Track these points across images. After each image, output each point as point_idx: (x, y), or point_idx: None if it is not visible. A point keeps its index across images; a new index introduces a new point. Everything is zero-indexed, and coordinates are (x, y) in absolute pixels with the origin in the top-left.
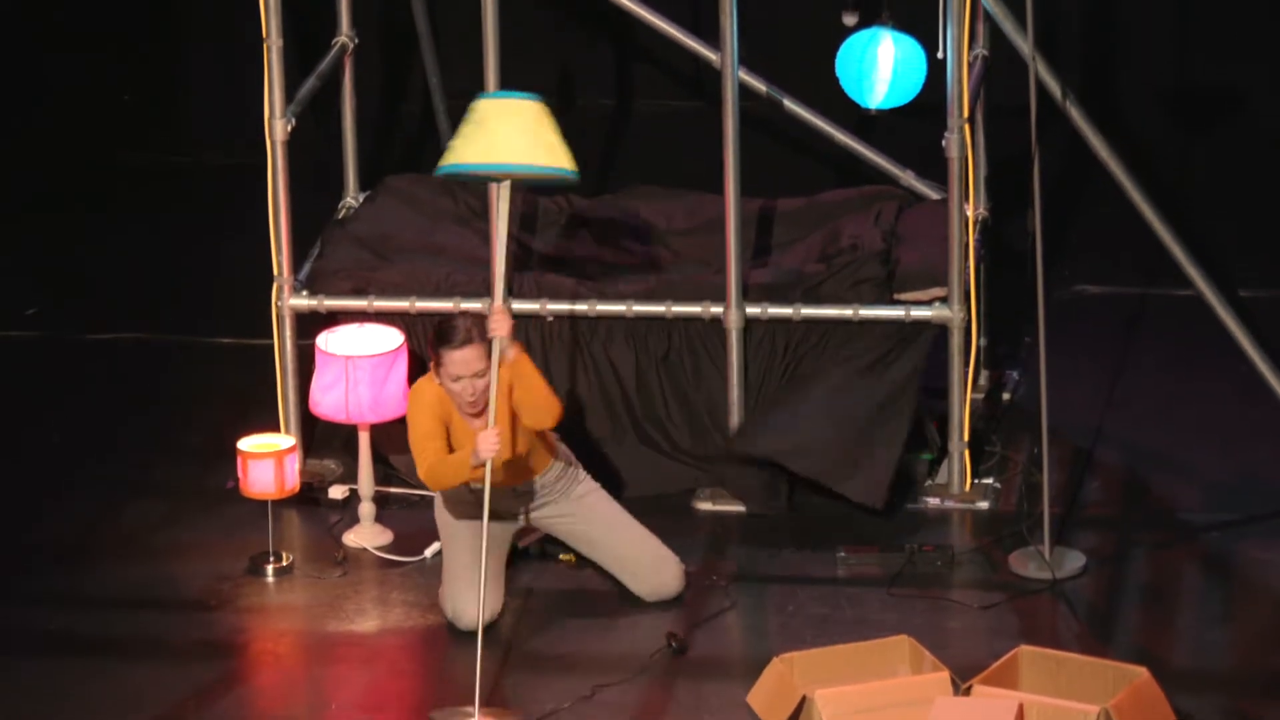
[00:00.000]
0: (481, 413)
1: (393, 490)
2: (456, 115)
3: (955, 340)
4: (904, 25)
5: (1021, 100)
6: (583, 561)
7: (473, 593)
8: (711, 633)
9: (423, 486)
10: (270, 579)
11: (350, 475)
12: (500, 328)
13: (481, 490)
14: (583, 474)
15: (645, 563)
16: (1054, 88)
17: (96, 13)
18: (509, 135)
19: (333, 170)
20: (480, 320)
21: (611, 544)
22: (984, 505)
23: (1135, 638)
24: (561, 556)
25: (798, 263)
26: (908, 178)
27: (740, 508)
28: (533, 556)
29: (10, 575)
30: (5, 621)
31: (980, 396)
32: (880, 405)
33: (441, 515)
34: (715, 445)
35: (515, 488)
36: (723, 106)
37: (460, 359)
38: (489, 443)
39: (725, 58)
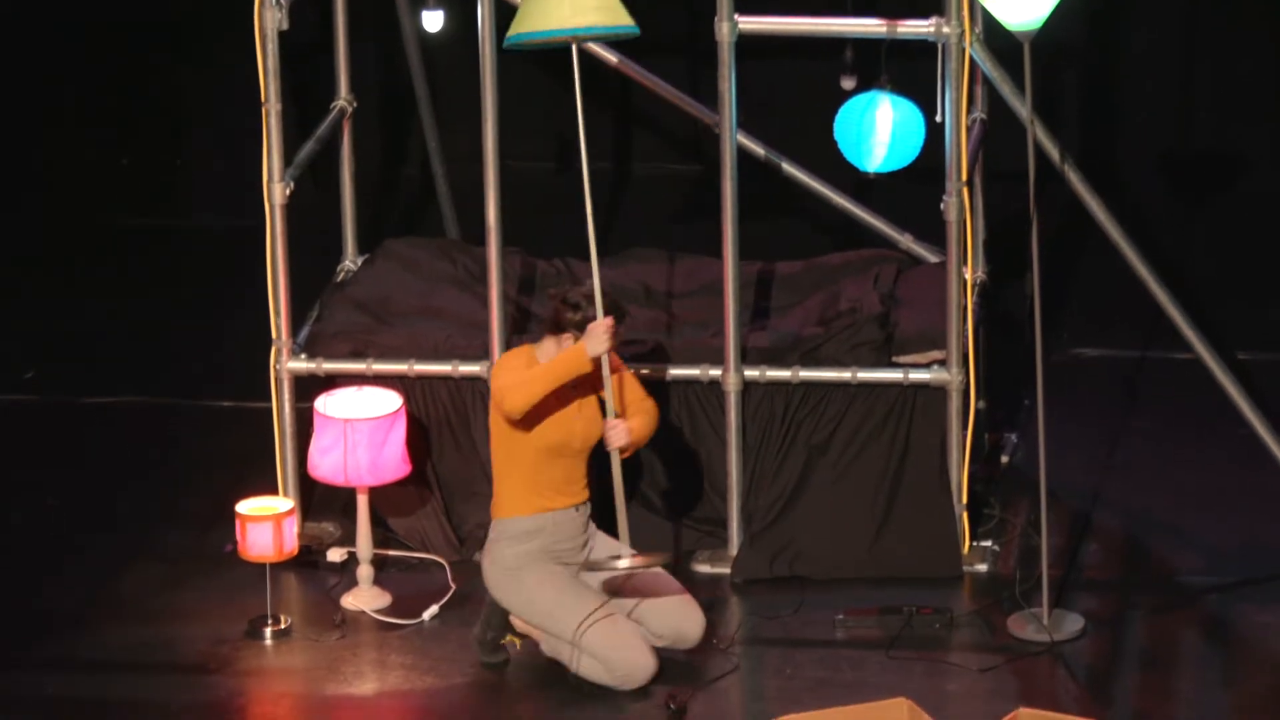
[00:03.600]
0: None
1: (391, 553)
2: (455, 179)
3: (954, 403)
4: (902, 89)
5: (1020, 164)
6: (527, 643)
7: (639, 641)
8: (711, 695)
9: (421, 548)
10: (269, 642)
11: (349, 538)
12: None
13: (571, 520)
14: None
15: (672, 605)
16: (1052, 151)
17: (96, 78)
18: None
19: (331, 233)
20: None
21: (637, 583)
22: (982, 568)
23: (1134, 700)
24: (507, 639)
25: (796, 326)
26: (906, 241)
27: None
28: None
29: (11, 640)
30: (7, 687)
31: (979, 460)
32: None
33: (542, 590)
34: (714, 508)
35: (578, 506)
36: (721, 170)
37: (603, 329)
38: (599, 330)
39: (724, 121)
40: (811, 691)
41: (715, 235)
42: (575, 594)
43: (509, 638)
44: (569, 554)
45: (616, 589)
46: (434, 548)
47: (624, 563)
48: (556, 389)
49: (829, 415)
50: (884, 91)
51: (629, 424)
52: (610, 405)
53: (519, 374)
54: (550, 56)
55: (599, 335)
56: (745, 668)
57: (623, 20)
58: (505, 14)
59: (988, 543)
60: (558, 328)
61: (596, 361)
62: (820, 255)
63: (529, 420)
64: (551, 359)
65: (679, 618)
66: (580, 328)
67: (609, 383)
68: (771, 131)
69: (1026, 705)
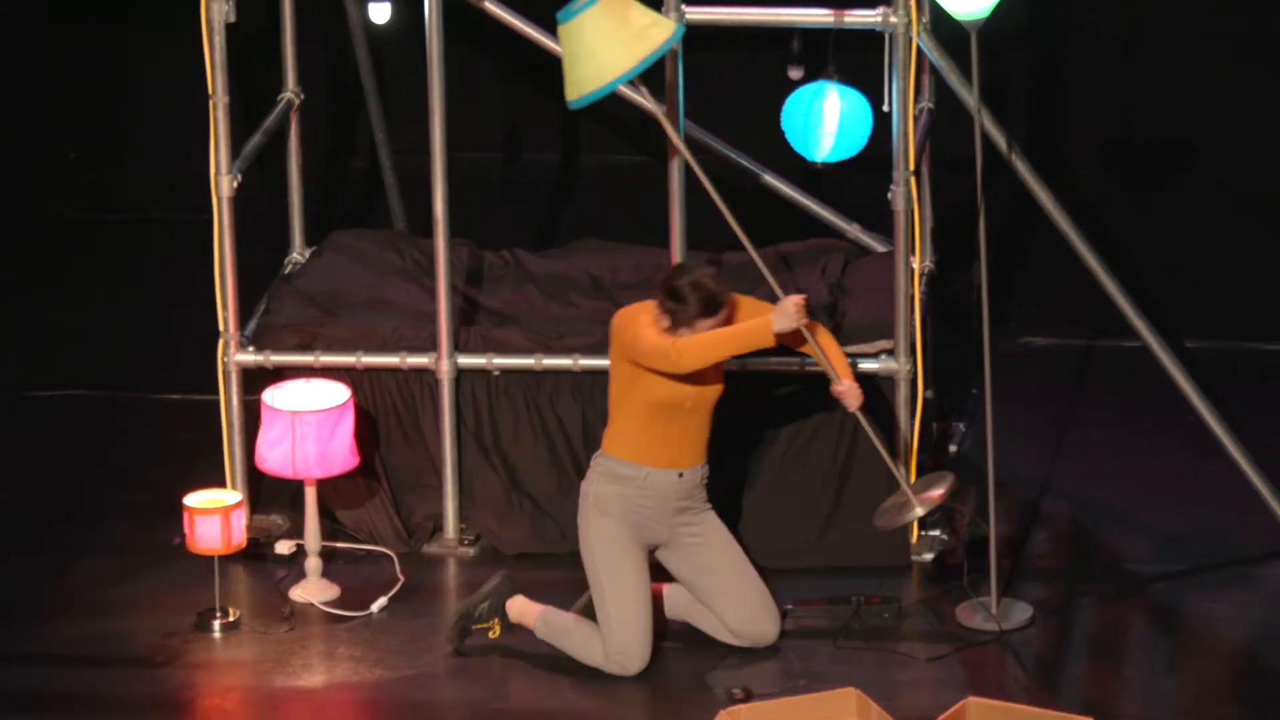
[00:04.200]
0: None
1: (339, 545)
2: (402, 170)
3: (902, 393)
4: (849, 79)
5: (967, 153)
6: (506, 631)
7: (649, 635)
8: (656, 686)
9: (369, 540)
10: (217, 635)
11: (297, 530)
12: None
13: (666, 481)
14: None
15: (750, 606)
16: (999, 140)
17: (41, 69)
18: (607, 47)
19: (279, 226)
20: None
21: (724, 575)
22: (930, 557)
23: (1083, 688)
24: (493, 623)
25: None
26: (854, 231)
27: None
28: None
29: None
30: None
31: (927, 449)
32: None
33: (605, 544)
34: None
35: (683, 471)
36: (669, 161)
37: (711, 325)
38: (789, 308)
39: (671, 112)
40: (760, 682)
41: (663, 226)
42: (622, 559)
43: (494, 622)
44: (653, 517)
45: (698, 569)
46: (382, 539)
47: (919, 510)
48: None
49: (777, 406)
50: (831, 81)
51: (855, 386)
52: (830, 372)
53: (680, 334)
54: (494, 48)
55: (789, 312)
56: (692, 658)
57: (665, 38)
58: (451, 6)
59: (936, 532)
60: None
61: (779, 337)
62: (768, 245)
63: (644, 374)
64: (734, 326)
65: (760, 619)
66: (676, 316)
67: (820, 355)
68: (719, 122)
69: (975, 694)
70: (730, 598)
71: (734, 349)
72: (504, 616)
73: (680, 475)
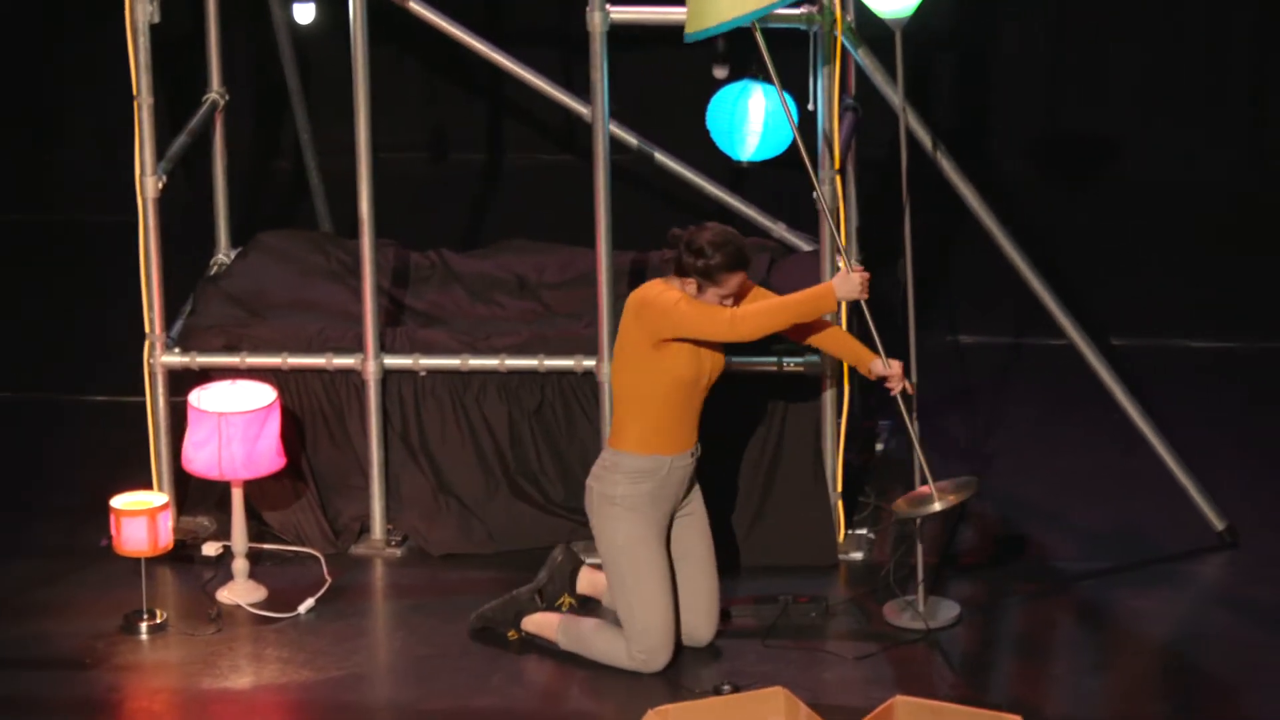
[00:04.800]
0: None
1: (266, 547)
2: (327, 171)
3: (828, 391)
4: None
5: (893, 151)
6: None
7: (673, 632)
8: (585, 684)
9: (296, 542)
10: (145, 636)
11: (224, 532)
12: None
13: (684, 465)
14: None
15: (699, 607)
16: (925, 138)
17: None
18: None
19: (204, 227)
20: None
21: (689, 566)
22: (858, 556)
23: (1010, 687)
24: (510, 633)
25: None
26: (779, 229)
27: None
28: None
29: None
30: None
31: (854, 448)
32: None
33: (635, 546)
34: None
35: (693, 450)
36: (594, 160)
37: (739, 280)
38: (855, 279)
39: (596, 111)
40: (688, 679)
41: (588, 225)
42: (651, 555)
43: (511, 633)
44: (673, 500)
45: (678, 555)
46: (309, 541)
47: (937, 505)
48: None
49: (704, 404)
50: (756, 80)
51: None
52: (874, 356)
53: (720, 307)
54: (419, 48)
55: (854, 283)
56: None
57: None
58: (376, 6)
59: (863, 530)
60: (681, 271)
61: (837, 304)
62: None
63: (673, 350)
64: (795, 295)
65: (704, 617)
66: (704, 274)
67: (870, 333)
68: (644, 121)
69: (903, 693)
70: (690, 591)
71: (795, 317)
72: (518, 627)
73: (691, 454)
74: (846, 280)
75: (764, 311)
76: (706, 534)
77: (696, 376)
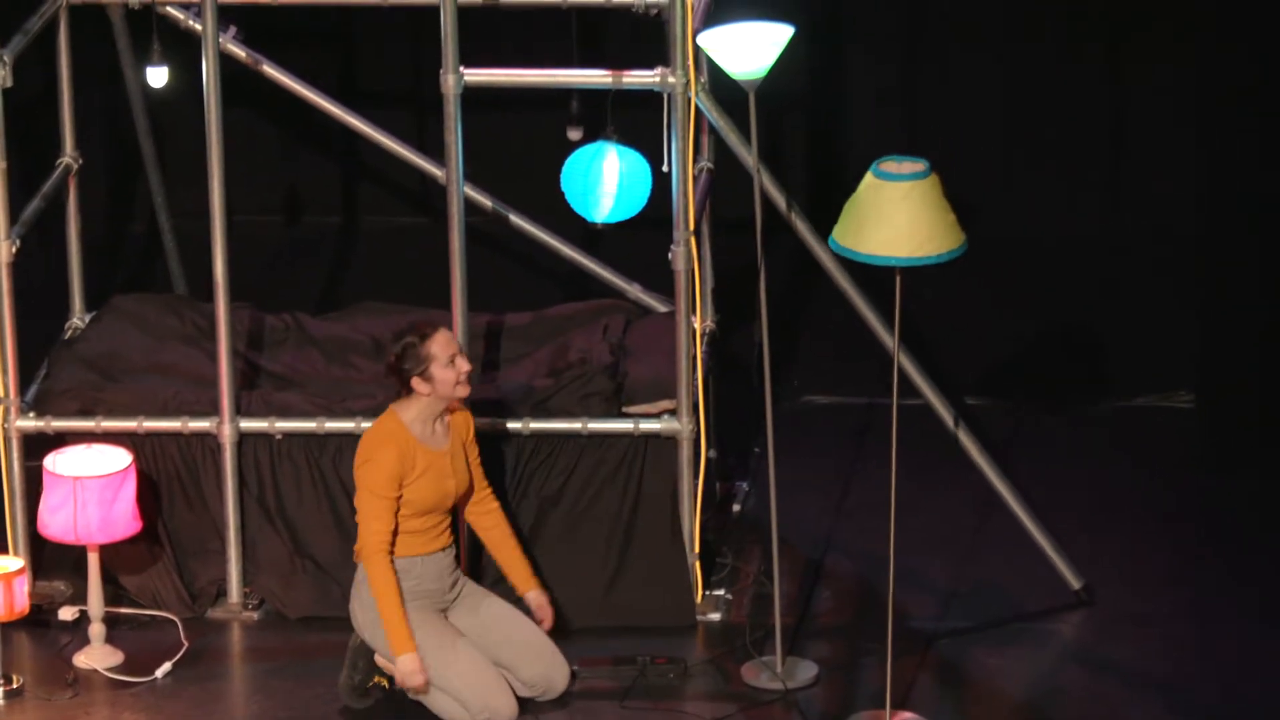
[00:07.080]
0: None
1: (123, 611)
2: (182, 234)
3: (684, 453)
4: (629, 139)
5: (747, 212)
6: (394, 685)
7: (502, 684)
8: None
9: (153, 606)
10: (1, 702)
11: (80, 596)
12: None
13: (439, 562)
14: None
15: (540, 652)
16: (779, 199)
17: None
18: (912, 224)
19: (58, 291)
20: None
21: (510, 625)
22: (716, 617)
23: None
24: (374, 680)
25: (526, 377)
26: (635, 291)
27: None
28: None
29: None
30: None
31: (711, 509)
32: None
33: (417, 632)
34: None
35: (445, 549)
36: (449, 222)
37: (445, 338)
38: (410, 671)
39: (451, 173)
40: None
41: (444, 288)
42: (440, 635)
43: (376, 679)
44: (437, 595)
45: (481, 626)
46: (166, 605)
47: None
48: (430, 457)
49: (560, 467)
50: (610, 142)
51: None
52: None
53: (382, 519)
54: (273, 111)
55: (412, 672)
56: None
57: (956, 243)
58: (229, 69)
59: (721, 591)
60: (405, 383)
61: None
62: (549, 306)
63: (412, 487)
64: (398, 618)
65: (549, 666)
66: (417, 370)
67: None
68: (499, 183)
69: None
70: (519, 648)
71: (383, 620)
72: (379, 670)
73: (444, 551)
74: (410, 666)
75: (379, 587)
76: (490, 595)
77: (439, 502)
